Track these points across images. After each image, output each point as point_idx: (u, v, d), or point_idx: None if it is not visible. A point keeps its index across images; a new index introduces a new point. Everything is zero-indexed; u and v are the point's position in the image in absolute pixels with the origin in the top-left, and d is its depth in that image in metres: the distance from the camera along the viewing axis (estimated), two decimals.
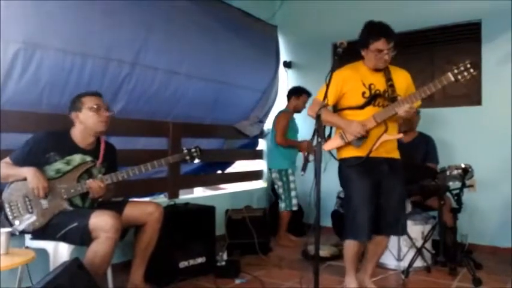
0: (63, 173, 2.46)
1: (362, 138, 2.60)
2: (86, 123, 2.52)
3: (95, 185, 2.45)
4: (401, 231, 2.80)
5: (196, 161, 2.82)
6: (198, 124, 4.24)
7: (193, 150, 2.82)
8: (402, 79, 2.70)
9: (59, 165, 2.46)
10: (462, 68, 2.39)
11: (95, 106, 2.52)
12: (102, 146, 2.65)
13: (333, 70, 2.34)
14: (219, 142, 4.71)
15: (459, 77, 2.39)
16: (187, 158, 2.80)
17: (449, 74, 2.41)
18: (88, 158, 2.55)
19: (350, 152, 2.69)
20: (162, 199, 3.87)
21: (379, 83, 2.64)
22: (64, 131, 2.57)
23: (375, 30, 2.57)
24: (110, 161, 2.69)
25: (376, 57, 2.58)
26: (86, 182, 2.47)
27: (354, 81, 2.65)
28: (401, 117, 2.58)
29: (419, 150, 3.89)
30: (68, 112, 2.57)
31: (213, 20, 4.14)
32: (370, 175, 2.64)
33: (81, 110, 2.52)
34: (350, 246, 2.74)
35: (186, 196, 4.27)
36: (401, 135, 2.72)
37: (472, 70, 2.38)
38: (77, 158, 2.51)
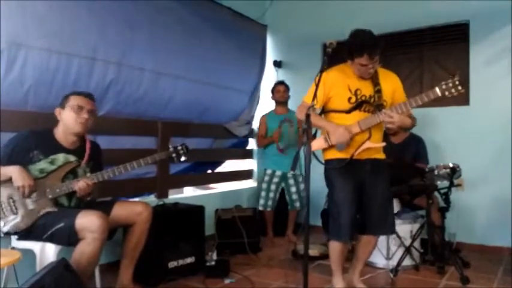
0: (48, 172, 2.42)
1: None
2: (65, 121, 2.50)
3: (83, 184, 2.42)
4: (389, 230, 2.81)
5: (183, 158, 2.79)
6: (187, 123, 4.22)
7: (179, 147, 2.79)
8: (389, 83, 2.69)
9: (43, 164, 2.43)
10: (450, 84, 2.41)
11: (76, 106, 2.48)
12: (88, 145, 2.63)
13: (322, 70, 2.33)
14: (208, 141, 4.70)
15: (446, 93, 2.42)
16: (174, 155, 2.77)
17: (437, 89, 2.43)
18: (72, 158, 2.51)
19: (333, 154, 2.70)
20: (152, 199, 3.85)
21: (366, 88, 2.63)
22: (47, 129, 2.54)
23: (358, 45, 2.50)
24: (95, 161, 2.66)
25: (360, 70, 2.58)
26: (71, 181, 2.44)
27: (340, 86, 2.64)
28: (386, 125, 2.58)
29: (410, 151, 3.92)
30: (54, 108, 2.55)
31: (199, 19, 4.11)
32: (352, 177, 2.65)
33: (64, 108, 2.50)
34: (334, 246, 2.75)
35: (175, 196, 4.25)
36: (383, 143, 2.71)
37: (460, 87, 2.40)
38: (60, 157, 2.48)
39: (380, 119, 2.54)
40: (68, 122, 2.49)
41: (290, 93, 4.54)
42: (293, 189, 4.44)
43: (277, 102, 4.52)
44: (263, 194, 4.43)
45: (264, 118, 4.57)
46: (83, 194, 2.45)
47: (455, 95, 2.42)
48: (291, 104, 4.51)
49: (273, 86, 4.60)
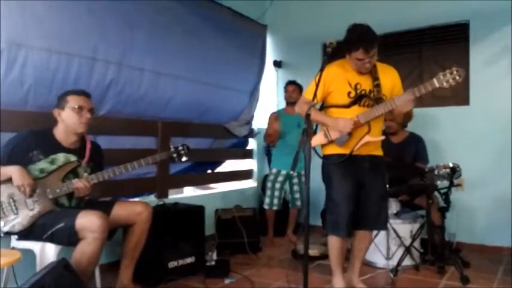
0: (48, 172, 2.42)
1: (346, 137, 2.61)
2: (66, 122, 2.50)
3: (81, 184, 2.42)
4: (382, 225, 2.84)
5: (184, 159, 2.79)
6: (188, 123, 4.22)
7: (180, 148, 2.80)
8: (388, 77, 2.71)
9: (43, 164, 2.43)
10: (448, 75, 2.41)
11: (77, 107, 2.49)
12: (88, 145, 2.63)
13: (322, 70, 2.35)
14: (208, 141, 4.70)
15: (444, 83, 2.42)
16: (175, 155, 2.78)
17: (435, 80, 2.44)
18: (72, 158, 2.52)
19: (333, 149, 2.71)
20: (152, 199, 3.84)
21: (365, 82, 2.64)
22: (47, 129, 2.54)
23: (353, 39, 2.51)
24: (96, 161, 2.66)
25: (357, 65, 2.59)
26: (71, 181, 2.44)
27: (340, 80, 2.65)
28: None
29: (410, 150, 3.92)
30: (53, 108, 2.55)
31: (199, 19, 4.11)
32: (351, 174, 2.66)
33: (64, 109, 2.49)
34: (332, 242, 2.76)
35: (175, 196, 4.25)
36: (383, 137, 2.73)
37: (457, 77, 2.40)
38: (60, 157, 2.48)
39: (379, 112, 2.55)
40: (70, 123, 2.50)
41: None
42: (296, 187, 4.45)
43: (287, 102, 4.52)
44: (268, 193, 4.43)
45: (273, 116, 4.58)
46: (81, 194, 2.45)
47: (453, 84, 2.41)
48: None
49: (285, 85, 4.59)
